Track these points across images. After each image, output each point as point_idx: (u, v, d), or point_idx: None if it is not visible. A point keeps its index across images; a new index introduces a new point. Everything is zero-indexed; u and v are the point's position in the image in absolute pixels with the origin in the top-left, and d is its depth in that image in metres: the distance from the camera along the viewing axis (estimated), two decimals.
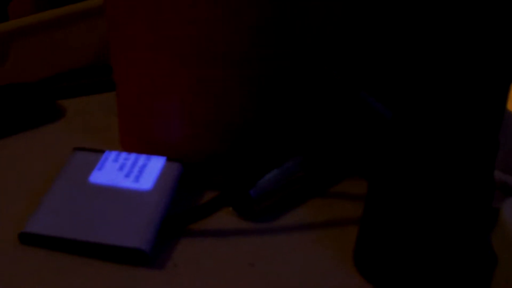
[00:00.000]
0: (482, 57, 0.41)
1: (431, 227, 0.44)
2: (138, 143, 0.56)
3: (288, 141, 0.55)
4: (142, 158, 0.54)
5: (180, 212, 0.51)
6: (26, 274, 0.47)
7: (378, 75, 0.56)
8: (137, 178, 0.52)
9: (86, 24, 0.70)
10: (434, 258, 0.44)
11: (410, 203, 0.44)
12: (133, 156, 0.54)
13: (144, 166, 0.53)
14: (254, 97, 0.52)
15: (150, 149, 0.56)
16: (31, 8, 0.80)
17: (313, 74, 0.54)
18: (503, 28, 0.40)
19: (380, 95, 0.54)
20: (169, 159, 0.54)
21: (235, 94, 0.52)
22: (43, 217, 0.50)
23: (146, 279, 0.47)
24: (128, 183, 0.52)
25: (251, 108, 0.52)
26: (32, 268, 0.48)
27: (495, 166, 0.46)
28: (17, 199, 0.54)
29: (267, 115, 0.53)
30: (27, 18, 0.69)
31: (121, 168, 0.53)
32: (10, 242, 0.50)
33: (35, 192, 0.54)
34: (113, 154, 0.55)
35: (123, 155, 0.55)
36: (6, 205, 0.53)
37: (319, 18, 0.52)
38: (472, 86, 0.41)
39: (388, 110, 0.52)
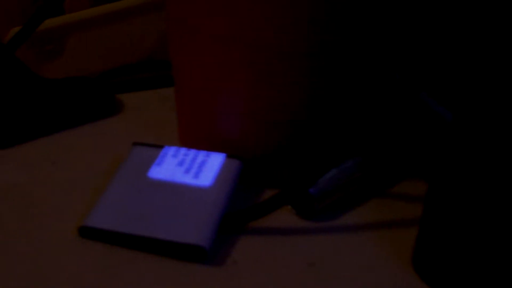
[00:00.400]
0: None
1: (493, 230, 0.43)
2: (197, 138, 0.56)
3: (348, 140, 0.55)
4: (202, 154, 0.54)
5: (239, 209, 0.51)
6: (85, 268, 0.47)
7: (439, 77, 0.56)
8: (196, 174, 0.52)
9: (143, 19, 0.70)
10: (495, 262, 0.44)
11: (471, 205, 0.43)
12: (192, 152, 0.54)
13: (203, 162, 0.53)
14: (316, 96, 0.52)
15: (210, 145, 0.55)
16: (88, 2, 0.80)
17: (375, 74, 0.53)
18: None
19: (440, 96, 0.54)
20: (229, 156, 0.54)
21: (297, 91, 0.52)
22: (102, 212, 0.50)
23: (205, 276, 0.47)
24: (187, 179, 0.52)
25: (312, 106, 0.52)
26: (91, 262, 0.48)
27: None
28: (77, 193, 0.54)
29: (328, 114, 0.53)
30: (83, 12, 0.69)
31: (180, 163, 0.53)
32: (71, 236, 0.50)
33: (95, 186, 0.54)
34: (172, 150, 0.55)
35: (182, 150, 0.55)
36: (66, 198, 0.53)
37: (382, 18, 0.52)
38: None
39: (449, 112, 0.51)
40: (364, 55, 0.52)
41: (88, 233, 0.49)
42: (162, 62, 0.69)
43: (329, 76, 0.51)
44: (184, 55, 0.54)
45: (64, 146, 0.59)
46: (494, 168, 0.42)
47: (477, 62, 0.43)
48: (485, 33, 0.43)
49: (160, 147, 0.55)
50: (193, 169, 0.53)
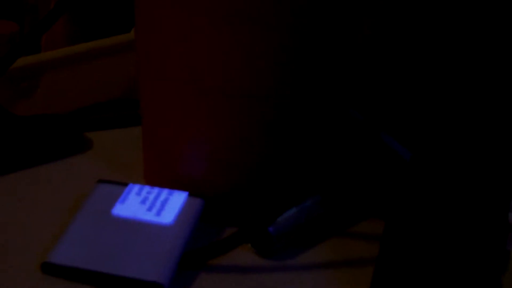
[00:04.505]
0: (498, 106, 0.41)
1: (445, 269, 0.44)
2: (161, 177, 0.57)
3: (308, 179, 0.55)
4: (165, 192, 0.55)
5: (199, 247, 0.52)
6: None
7: (398, 116, 0.57)
8: (159, 212, 0.53)
9: (116, 59, 0.71)
10: None
11: (426, 245, 0.44)
12: (156, 190, 0.55)
13: (166, 200, 0.54)
14: (277, 135, 0.53)
15: (173, 184, 0.56)
16: (64, 41, 0.81)
17: (334, 113, 0.54)
18: None
19: (399, 136, 0.55)
20: (191, 194, 0.55)
21: (258, 131, 0.53)
22: (65, 248, 0.51)
23: None
24: (149, 217, 0.53)
25: (273, 145, 0.53)
26: None
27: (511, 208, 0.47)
28: (41, 229, 0.55)
29: (289, 153, 0.54)
30: (58, 51, 0.70)
31: (143, 201, 0.54)
32: (33, 272, 0.50)
33: (59, 223, 0.55)
34: (136, 188, 0.56)
35: (146, 188, 0.55)
36: (31, 235, 0.54)
37: (340, 59, 0.53)
38: (490, 131, 0.42)
39: (407, 151, 0.52)
40: (324, 95, 0.53)
41: (50, 269, 0.50)
42: (132, 101, 0.70)
43: (289, 116, 0.53)
44: (150, 96, 0.55)
45: (32, 182, 0.60)
46: (449, 208, 0.43)
47: (437, 103, 0.44)
48: (443, 77, 0.44)
49: (125, 185, 0.56)
50: (156, 207, 0.54)
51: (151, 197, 0.55)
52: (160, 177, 0.58)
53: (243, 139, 0.53)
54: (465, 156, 0.43)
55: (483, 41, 0.46)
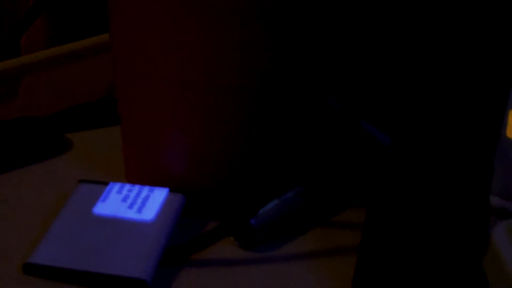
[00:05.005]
0: (475, 87, 0.41)
1: (427, 253, 0.44)
2: (142, 174, 0.57)
3: (290, 171, 0.55)
4: (145, 189, 0.55)
5: (181, 242, 0.52)
6: None
7: (377, 104, 0.57)
8: (140, 209, 0.53)
9: (95, 59, 0.71)
10: (430, 284, 0.45)
11: (406, 229, 0.44)
12: (136, 187, 0.55)
13: (147, 197, 0.54)
14: (256, 128, 0.53)
15: (154, 181, 0.56)
16: (44, 43, 0.81)
17: (313, 103, 0.54)
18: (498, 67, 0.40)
19: (379, 123, 0.55)
20: (171, 191, 0.55)
21: (237, 124, 0.53)
22: (47, 248, 0.51)
23: None
24: (131, 214, 0.53)
25: (253, 138, 0.53)
26: None
27: (494, 192, 0.47)
28: (23, 231, 0.54)
29: (269, 145, 0.54)
30: (37, 54, 0.70)
31: (124, 199, 0.54)
32: (15, 273, 0.50)
33: (41, 224, 0.55)
34: (117, 186, 0.55)
35: (127, 186, 0.55)
36: (13, 236, 0.54)
37: (318, 48, 0.53)
38: (466, 114, 0.42)
39: (387, 137, 0.52)
40: (301, 85, 0.53)
41: (32, 270, 0.50)
42: (111, 101, 0.70)
43: (268, 109, 0.52)
44: (128, 93, 0.55)
45: (13, 185, 0.60)
46: (430, 192, 0.43)
47: (413, 91, 0.44)
48: (421, 64, 0.44)
49: (105, 183, 0.56)
50: (137, 204, 0.54)
51: (132, 194, 0.55)
52: (140, 174, 0.57)
53: (223, 132, 0.53)
54: (444, 140, 0.43)
55: (457, 32, 0.46)
